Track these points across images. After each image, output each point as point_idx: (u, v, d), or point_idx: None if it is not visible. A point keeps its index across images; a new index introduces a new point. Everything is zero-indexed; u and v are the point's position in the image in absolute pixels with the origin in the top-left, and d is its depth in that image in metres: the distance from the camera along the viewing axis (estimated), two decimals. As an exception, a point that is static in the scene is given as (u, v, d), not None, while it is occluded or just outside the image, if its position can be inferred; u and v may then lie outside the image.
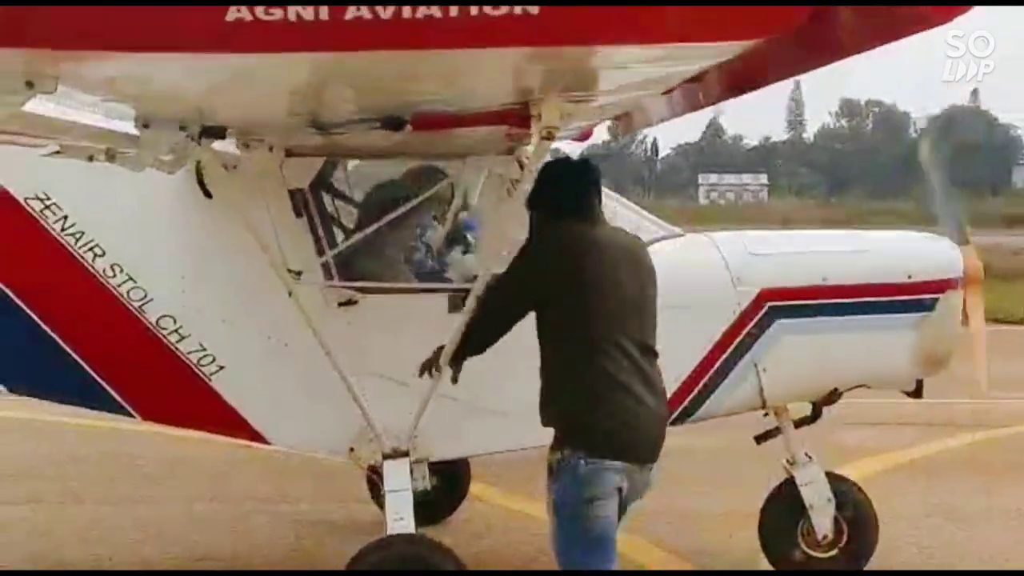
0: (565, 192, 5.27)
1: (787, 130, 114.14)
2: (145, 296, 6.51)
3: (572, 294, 5.09)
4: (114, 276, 6.50)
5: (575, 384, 5.12)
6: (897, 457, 10.45)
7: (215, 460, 9.78)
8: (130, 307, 6.51)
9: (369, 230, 6.24)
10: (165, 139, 4.67)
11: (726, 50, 3.45)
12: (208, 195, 6.43)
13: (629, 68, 3.61)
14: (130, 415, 6.65)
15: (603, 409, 5.07)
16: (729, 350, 6.72)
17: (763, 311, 6.74)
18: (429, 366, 5.87)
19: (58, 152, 5.44)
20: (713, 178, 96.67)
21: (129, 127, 4.70)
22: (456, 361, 5.71)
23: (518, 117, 4.78)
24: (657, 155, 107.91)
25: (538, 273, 5.16)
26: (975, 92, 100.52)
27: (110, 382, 6.56)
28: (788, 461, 7.15)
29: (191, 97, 4.20)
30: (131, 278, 6.51)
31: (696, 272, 6.83)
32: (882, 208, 62.68)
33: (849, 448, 9.85)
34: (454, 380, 5.79)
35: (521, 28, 2.98)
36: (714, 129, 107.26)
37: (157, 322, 6.52)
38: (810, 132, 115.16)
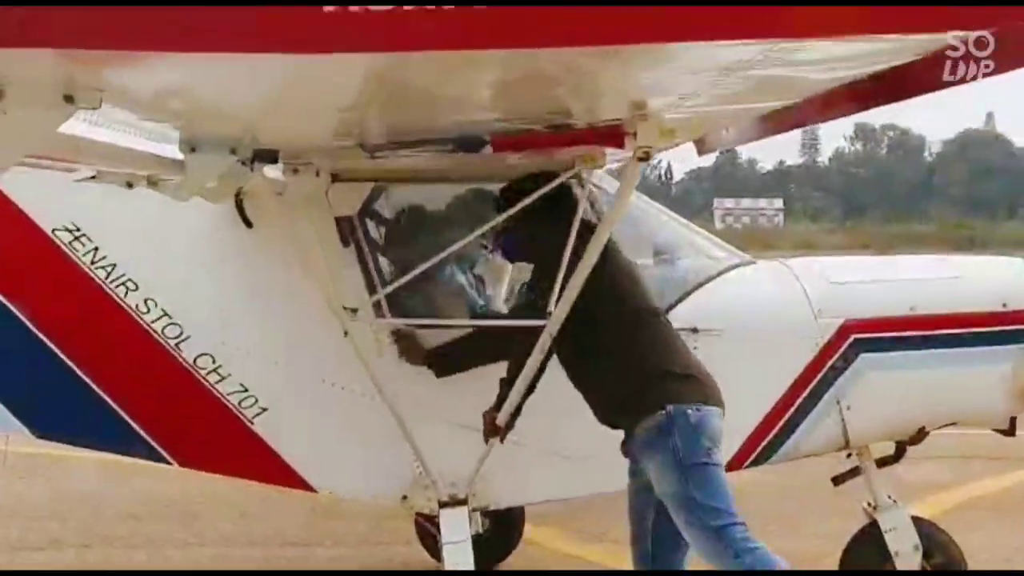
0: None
1: (801, 154, 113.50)
2: (181, 333, 6.04)
3: (605, 275, 5.30)
4: (148, 312, 6.04)
5: (647, 347, 5.40)
6: (967, 493, 9.84)
7: (246, 498, 9.22)
8: (165, 345, 6.04)
9: (428, 264, 5.70)
10: (213, 164, 4.13)
11: (911, 47, 2.90)
12: (248, 224, 5.96)
13: (790, 70, 3.08)
14: (166, 461, 6.17)
15: (684, 359, 5.44)
16: (810, 387, 6.22)
17: (846, 344, 6.23)
18: (494, 430, 5.63)
19: (92, 178, 4.93)
20: (729, 203, 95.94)
21: (173, 151, 4.19)
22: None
23: (608, 136, 4.25)
24: (672, 179, 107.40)
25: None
26: (990, 115, 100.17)
27: (144, 426, 6.08)
28: (870, 504, 6.64)
29: (253, 112, 3.68)
30: (166, 314, 6.04)
31: (774, 303, 6.34)
32: (902, 231, 62.08)
33: (914, 484, 9.23)
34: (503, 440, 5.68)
35: (679, 22, 2.44)
36: (729, 154, 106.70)
37: (194, 361, 6.05)
38: (824, 156, 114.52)
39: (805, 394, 6.21)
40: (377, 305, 5.83)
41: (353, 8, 2.37)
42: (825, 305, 6.26)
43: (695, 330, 6.10)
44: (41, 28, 2.38)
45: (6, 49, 2.37)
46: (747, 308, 6.28)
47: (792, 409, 6.21)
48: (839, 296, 6.32)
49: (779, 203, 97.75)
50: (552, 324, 5.11)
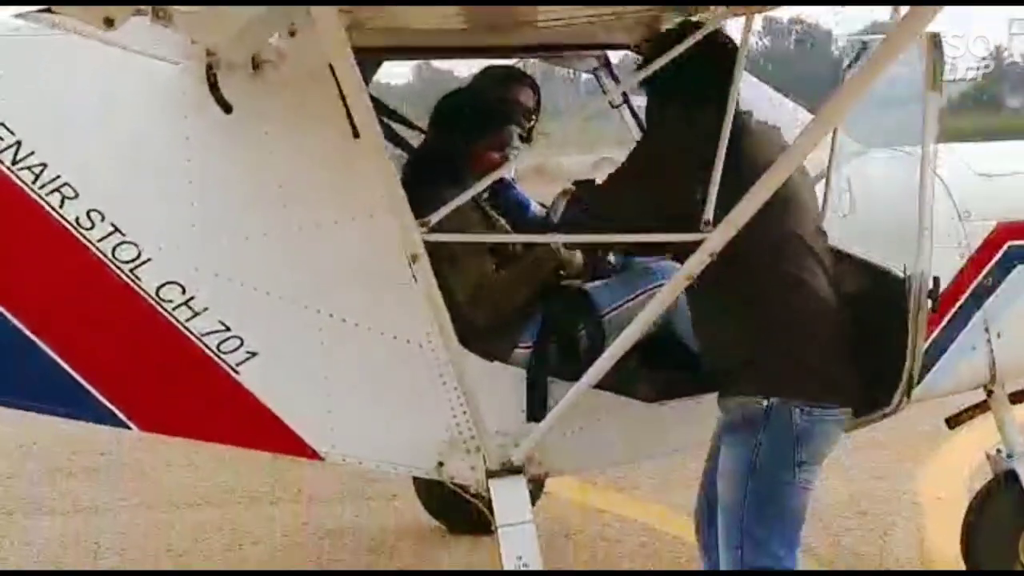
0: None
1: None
2: (139, 256, 4.48)
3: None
4: (92, 227, 4.46)
5: (787, 311, 4.07)
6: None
7: (196, 444, 7.72)
8: (118, 272, 4.48)
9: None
10: None
11: None
12: (227, 108, 4.41)
13: None
14: (124, 425, 4.64)
15: (827, 338, 4.08)
16: (953, 309, 4.87)
17: (1000, 254, 4.89)
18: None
19: (47, 10, 3.27)
20: (637, 101, 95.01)
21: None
22: None
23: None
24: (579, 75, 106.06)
25: None
26: (897, 10, 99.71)
27: (93, 381, 4.53)
28: (999, 451, 5.37)
29: None
30: (117, 230, 4.47)
31: (904, 203, 4.95)
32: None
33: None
34: None
35: None
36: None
37: (157, 292, 4.49)
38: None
39: (947, 319, 4.86)
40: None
41: None
42: (973, 204, 4.90)
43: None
44: None
45: None
46: (869, 209, 4.90)
47: (930, 339, 4.80)
48: (990, 192, 4.95)
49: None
50: (711, 242, 3.68)
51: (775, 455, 4.03)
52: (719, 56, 4.13)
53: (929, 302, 4.12)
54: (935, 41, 4.29)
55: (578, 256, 4.67)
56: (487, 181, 4.46)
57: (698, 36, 4.05)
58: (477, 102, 5.19)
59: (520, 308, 4.69)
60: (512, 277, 4.67)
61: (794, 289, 4.05)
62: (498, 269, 4.67)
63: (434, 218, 3.92)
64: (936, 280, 4.12)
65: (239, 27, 3.38)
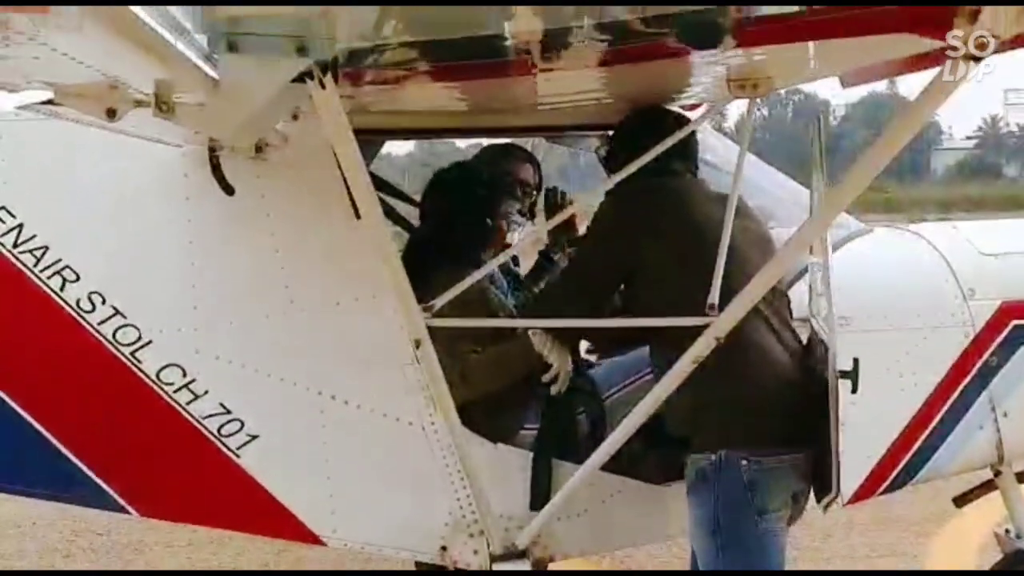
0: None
1: (708, 120, 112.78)
2: (140, 338, 4.48)
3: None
4: (93, 310, 4.47)
5: (723, 364, 4.09)
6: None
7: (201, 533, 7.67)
8: (118, 354, 4.47)
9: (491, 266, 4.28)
10: (268, 73, 2.52)
11: None
12: (229, 190, 4.42)
13: None
14: (123, 510, 4.60)
15: (769, 382, 4.23)
16: (959, 389, 4.81)
17: (1005, 333, 4.84)
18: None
19: (49, 102, 3.27)
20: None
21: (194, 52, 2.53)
22: None
23: (923, 19, 2.77)
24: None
25: None
26: (892, 81, 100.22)
27: (91, 464, 4.52)
28: (1008, 531, 5.30)
29: None
30: (118, 312, 4.47)
31: (909, 282, 4.93)
32: (819, 196, 61.76)
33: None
34: None
35: None
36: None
37: (158, 375, 4.49)
38: (731, 121, 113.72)
39: (952, 399, 4.80)
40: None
41: None
42: (977, 283, 4.86)
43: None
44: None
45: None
46: (875, 290, 4.86)
47: (936, 419, 4.79)
48: (994, 271, 4.92)
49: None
50: (720, 326, 3.67)
51: (733, 507, 4.13)
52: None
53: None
54: (818, 125, 4.42)
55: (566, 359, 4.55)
56: (495, 263, 4.45)
57: (701, 120, 4.06)
58: (477, 178, 5.15)
59: (504, 392, 4.62)
60: (487, 363, 4.59)
61: (737, 347, 4.09)
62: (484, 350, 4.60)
63: (438, 303, 3.91)
64: (855, 361, 4.16)
65: (240, 121, 3.36)
